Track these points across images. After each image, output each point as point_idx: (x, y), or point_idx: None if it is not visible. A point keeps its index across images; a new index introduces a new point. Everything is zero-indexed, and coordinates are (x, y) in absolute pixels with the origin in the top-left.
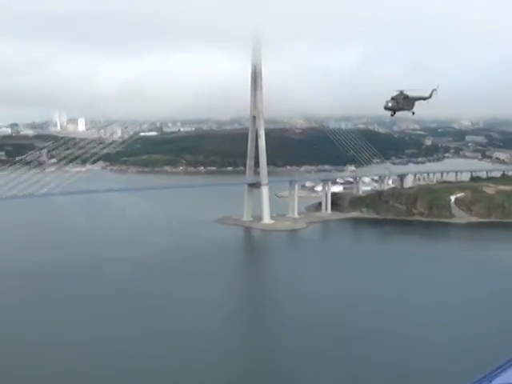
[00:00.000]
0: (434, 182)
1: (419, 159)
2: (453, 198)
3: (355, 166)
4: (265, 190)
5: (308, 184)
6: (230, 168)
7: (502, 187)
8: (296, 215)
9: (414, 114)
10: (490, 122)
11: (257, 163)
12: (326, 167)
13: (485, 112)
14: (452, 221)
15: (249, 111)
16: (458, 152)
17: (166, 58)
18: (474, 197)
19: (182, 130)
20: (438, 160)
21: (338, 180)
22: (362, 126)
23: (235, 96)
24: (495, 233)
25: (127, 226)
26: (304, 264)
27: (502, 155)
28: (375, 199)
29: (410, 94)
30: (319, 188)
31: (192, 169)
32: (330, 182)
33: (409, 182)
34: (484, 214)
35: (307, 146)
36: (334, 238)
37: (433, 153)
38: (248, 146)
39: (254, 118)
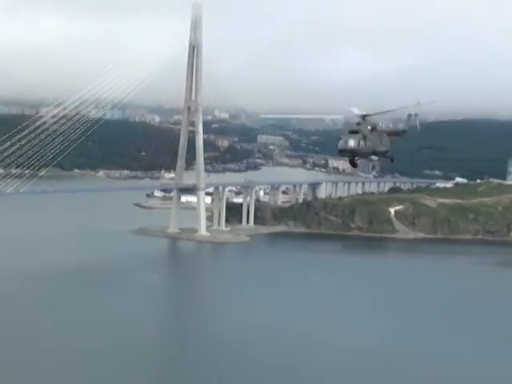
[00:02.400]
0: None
1: (232, 166)
2: (392, 210)
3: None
4: (201, 196)
5: (157, 193)
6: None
7: (441, 200)
8: (224, 228)
9: (393, 161)
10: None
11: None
12: (134, 173)
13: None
14: (395, 236)
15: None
16: (269, 157)
17: None
18: (415, 210)
19: None
20: (256, 168)
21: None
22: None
23: None
24: (441, 251)
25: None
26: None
27: (342, 164)
28: (303, 211)
29: (374, 119)
30: (184, 198)
31: None
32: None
33: (322, 192)
34: (429, 230)
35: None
36: (296, 256)
37: (241, 158)
38: (180, 143)
39: (189, 109)
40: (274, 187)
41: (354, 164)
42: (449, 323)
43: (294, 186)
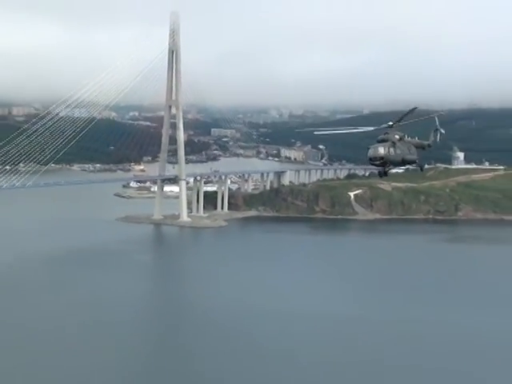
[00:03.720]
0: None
1: (193, 157)
2: (352, 194)
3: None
4: (183, 186)
5: (133, 184)
6: None
7: (395, 184)
8: (202, 214)
9: (422, 169)
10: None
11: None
12: (107, 166)
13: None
14: (356, 217)
15: None
16: (225, 149)
17: None
18: (372, 193)
19: None
20: (215, 159)
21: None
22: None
23: None
24: (396, 230)
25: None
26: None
27: (293, 153)
28: (272, 197)
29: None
30: (168, 188)
31: None
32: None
33: (286, 179)
34: (385, 211)
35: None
36: (268, 237)
37: (199, 150)
38: (163, 138)
39: (170, 107)
40: (245, 176)
41: (384, 173)
42: (405, 289)
43: (262, 174)
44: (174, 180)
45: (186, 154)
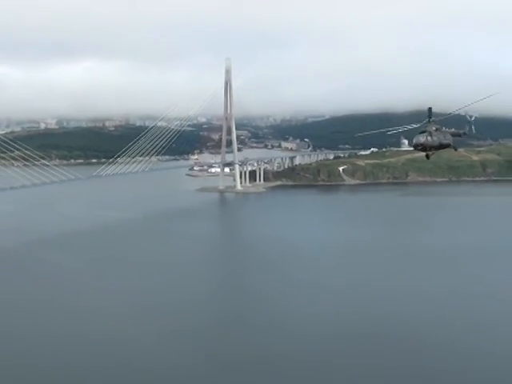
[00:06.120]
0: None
1: (225, 150)
2: (341, 168)
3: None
4: (237, 168)
5: (196, 168)
6: (94, 160)
7: (367, 161)
8: (248, 184)
9: (456, 150)
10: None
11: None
12: (173, 157)
13: None
14: (343, 183)
15: None
16: (244, 143)
17: None
18: (353, 167)
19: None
20: (239, 150)
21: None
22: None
23: None
24: (370, 190)
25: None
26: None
27: (289, 145)
28: (290, 172)
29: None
30: (217, 169)
31: (64, 161)
32: (247, 163)
33: (297, 161)
34: (362, 178)
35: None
36: (291, 197)
37: (228, 145)
38: (222, 139)
39: (226, 118)
40: (272, 160)
41: (427, 156)
42: (376, 222)
43: (282, 158)
44: (230, 164)
45: (219, 147)
